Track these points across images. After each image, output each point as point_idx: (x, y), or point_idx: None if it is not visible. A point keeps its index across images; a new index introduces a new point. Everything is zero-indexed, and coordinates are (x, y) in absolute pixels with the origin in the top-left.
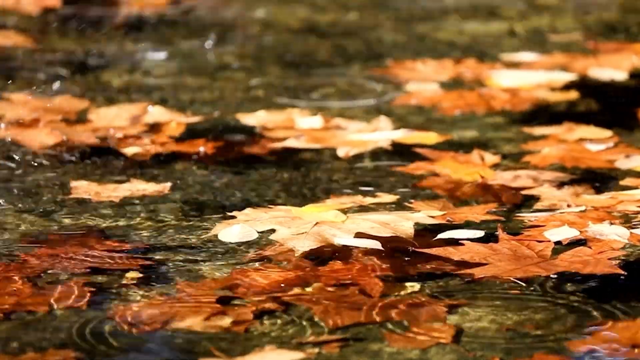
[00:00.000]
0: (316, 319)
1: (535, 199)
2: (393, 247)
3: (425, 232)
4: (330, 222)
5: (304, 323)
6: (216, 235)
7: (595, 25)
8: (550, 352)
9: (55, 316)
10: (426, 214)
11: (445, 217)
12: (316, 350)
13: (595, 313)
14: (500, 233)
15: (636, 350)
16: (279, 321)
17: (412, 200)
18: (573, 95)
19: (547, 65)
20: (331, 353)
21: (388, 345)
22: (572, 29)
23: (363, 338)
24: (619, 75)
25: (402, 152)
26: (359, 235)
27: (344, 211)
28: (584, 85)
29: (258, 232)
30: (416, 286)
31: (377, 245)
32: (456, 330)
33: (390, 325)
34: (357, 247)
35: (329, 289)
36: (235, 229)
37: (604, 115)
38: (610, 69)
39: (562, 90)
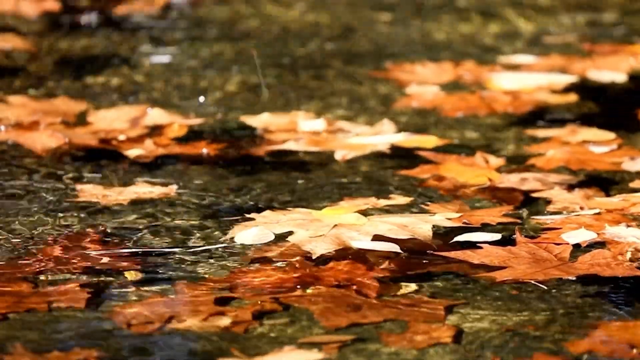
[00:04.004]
0: (315, 319)
1: (546, 201)
2: (411, 250)
3: (443, 235)
4: (348, 224)
5: (303, 323)
6: (224, 236)
7: (591, 26)
8: (550, 352)
9: (54, 317)
10: (443, 216)
11: (462, 220)
12: (334, 350)
13: (594, 313)
14: (517, 236)
15: (634, 351)
16: (278, 322)
17: (428, 203)
18: (573, 97)
19: (546, 68)
20: (330, 353)
21: (386, 346)
22: (568, 30)
23: (362, 338)
24: (619, 77)
25: (404, 155)
26: (376, 237)
27: (363, 213)
28: (584, 87)
29: (276, 234)
30: (414, 286)
31: (395, 248)
32: (455, 331)
33: (388, 326)
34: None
35: (329, 289)
36: (253, 231)
37: (605, 117)
38: (608, 70)
39: (563, 93)
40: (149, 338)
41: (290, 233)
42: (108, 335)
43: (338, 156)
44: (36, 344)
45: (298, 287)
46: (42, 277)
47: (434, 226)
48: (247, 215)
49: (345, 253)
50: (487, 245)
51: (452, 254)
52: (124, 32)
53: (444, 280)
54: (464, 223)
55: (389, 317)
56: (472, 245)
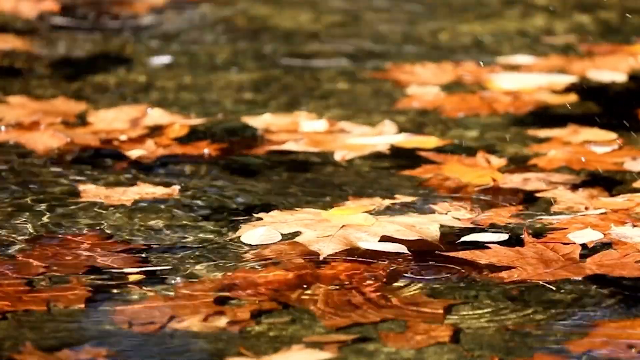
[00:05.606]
0: (315, 319)
1: (551, 201)
2: (419, 251)
3: (451, 235)
4: (356, 225)
5: (303, 323)
6: (228, 236)
7: (590, 27)
8: (550, 352)
9: (54, 316)
10: (451, 216)
11: (470, 220)
12: (334, 349)
13: (594, 313)
14: (525, 236)
15: (633, 350)
16: (277, 321)
17: (436, 203)
18: (574, 97)
19: (545, 68)
20: (330, 353)
21: (386, 345)
22: (566, 30)
23: (361, 338)
24: (619, 77)
25: (406, 155)
26: (384, 238)
27: (370, 213)
28: (584, 87)
29: (283, 234)
30: (414, 286)
31: (402, 248)
32: (454, 330)
33: (388, 325)
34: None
35: (328, 289)
36: (260, 231)
37: (606, 117)
38: (608, 70)
39: (563, 93)
40: (150, 338)
41: (298, 233)
42: (109, 335)
43: (338, 157)
44: (35, 343)
45: (298, 286)
46: (42, 277)
47: (441, 226)
48: (255, 215)
49: (352, 253)
50: (495, 245)
51: (460, 254)
52: (123, 32)
53: (446, 279)
54: (472, 223)
55: (388, 316)
56: (480, 246)
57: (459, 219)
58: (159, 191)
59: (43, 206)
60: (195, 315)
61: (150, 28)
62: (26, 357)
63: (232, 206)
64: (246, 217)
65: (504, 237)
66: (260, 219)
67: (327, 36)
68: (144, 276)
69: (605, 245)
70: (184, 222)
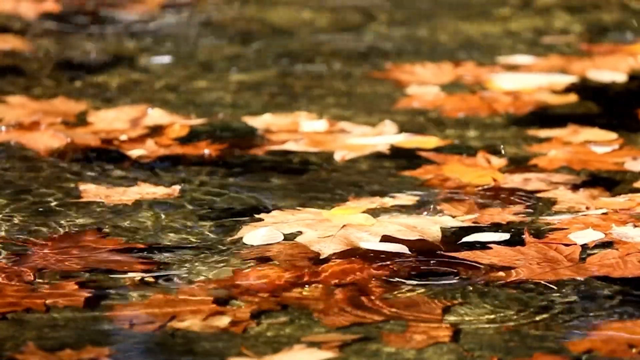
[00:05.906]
0: (315, 319)
1: (552, 201)
2: (420, 251)
3: (453, 235)
4: (357, 225)
5: (303, 323)
6: (229, 236)
7: (589, 26)
8: (550, 352)
9: (54, 316)
10: (452, 216)
11: (472, 220)
12: (334, 349)
13: (594, 313)
14: (526, 236)
15: (633, 350)
16: (277, 321)
17: (437, 203)
18: (574, 97)
19: (545, 68)
20: (330, 353)
21: (386, 345)
22: (568, 30)
23: (362, 338)
24: (619, 77)
25: (406, 155)
26: (385, 238)
27: (371, 213)
28: (584, 87)
29: (285, 235)
30: (415, 286)
31: (403, 249)
32: (454, 330)
33: (388, 325)
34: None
35: (329, 289)
36: (261, 232)
37: (606, 117)
38: (608, 70)
39: (563, 93)
40: (150, 338)
41: (299, 233)
42: (109, 335)
43: (338, 157)
44: (36, 343)
45: (299, 286)
46: (42, 277)
47: (442, 226)
48: (256, 216)
49: (352, 253)
50: (496, 245)
51: (462, 255)
52: (123, 33)
53: (446, 279)
54: (474, 223)
55: (389, 317)
56: (481, 246)
57: (460, 219)
58: (160, 191)
59: (43, 206)
60: (196, 316)
61: (150, 28)
62: (28, 357)
63: (233, 206)
64: (247, 218)
65: (505, 237)
66: (261, 219)
67: (327, 35)
68: (144, 276)
69: (606, 245)
70: (185, 222)
